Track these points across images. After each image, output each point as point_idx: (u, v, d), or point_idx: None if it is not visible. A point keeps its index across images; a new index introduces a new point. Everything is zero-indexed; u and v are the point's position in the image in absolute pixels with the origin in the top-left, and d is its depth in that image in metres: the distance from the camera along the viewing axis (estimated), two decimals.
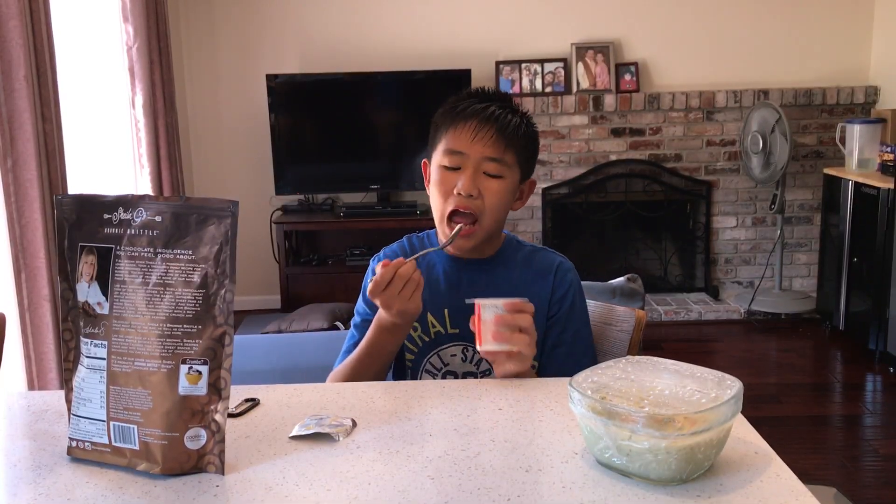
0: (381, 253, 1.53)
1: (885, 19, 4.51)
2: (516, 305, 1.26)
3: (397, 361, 1.49)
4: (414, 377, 1.47)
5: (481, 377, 1.44)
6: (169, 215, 1.00)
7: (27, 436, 1.12)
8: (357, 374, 1.39)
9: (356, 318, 1.51)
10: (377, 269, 1.31)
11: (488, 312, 1.26)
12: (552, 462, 0.99)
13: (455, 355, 1.45)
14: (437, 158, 1.41)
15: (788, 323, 4.42)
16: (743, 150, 4.51)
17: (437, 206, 1.41)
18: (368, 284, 1.30)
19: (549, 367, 1.42)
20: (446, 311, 1.44)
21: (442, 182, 1.40)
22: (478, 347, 1.26)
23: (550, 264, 1.48)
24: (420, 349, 1.46)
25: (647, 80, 4.67)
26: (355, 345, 1.43)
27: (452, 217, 1.39)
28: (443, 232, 1.43)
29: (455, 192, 1.37)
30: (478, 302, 1.27)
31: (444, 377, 1.46)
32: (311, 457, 1.02)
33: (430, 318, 1.45)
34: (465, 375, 1.45)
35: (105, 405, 1.01)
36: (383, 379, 1.42)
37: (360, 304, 1.51)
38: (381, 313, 1.33)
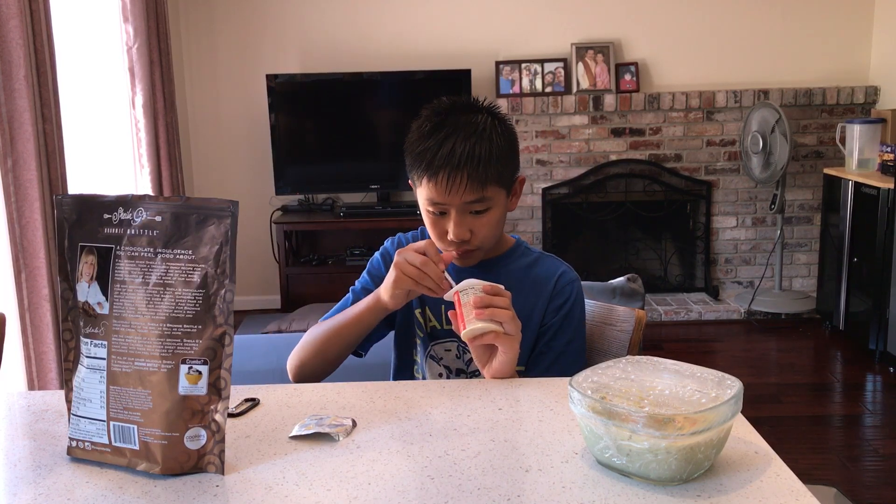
0: (398, 237, 1.55)
1: (885, 19, 4.51)
2: (495, 288, 1.27)
3: (402, 352, 1.51)
4: (421, 365, 1.50)
5: (471, 376, 1.45)
6: (169, 215, 1.00)
7: (27, 436, 1.12)
8: (332, 335, 1.43)
9: (356, 285, 1.54)
10: (391, 249, 1.48)
11: (467, 295, 1.26)
12: (552, 462, 0.99)
13: (449, 350, 1.46)
14: (422, 201, 1.41)
15: (788, 323, 4.42)
16: (743, 150, 4.51)
17: (434, 241, 1.42)
18: (414, 244, 1.33)
19: (532, 373, 1.42)
20: (443, 307, 1.45)
21: (433, 225, 1.41)
22: (461, 334, 1.25)
23: (552, 273, 1.46)
24: (422, 340, 1.48)
25: (647, 80, 4.67)
26: (349, 306, 1.47)
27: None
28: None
29: (448, 237, 1.38)
30: (456, 288, 1.28)
31: (441, 368, 1.48)
32: (311, 457, 1.02)
33: (427, 312, 1.47)
34: (458, 372, 1.46)
35: (105, 405, 1.01)
36: (347, 355, 1.46)
37: (363, 275, 1.54)
38: (381, 290, 1.36)
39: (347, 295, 1.53)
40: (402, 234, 1.55)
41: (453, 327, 1.30)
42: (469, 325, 1.24)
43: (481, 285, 1.26)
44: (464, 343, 1.44)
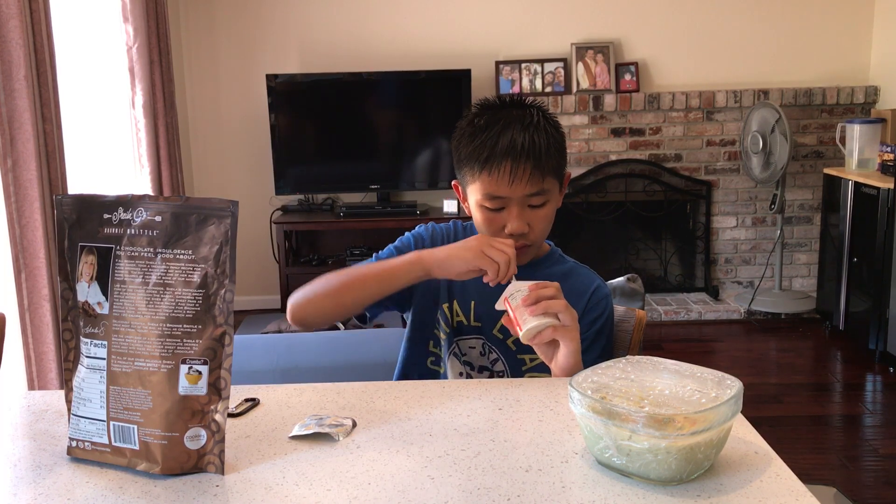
0: (430, 226, 1.53)
1: (885, 19, 4.51)
2: (541, 284, 1.25)
3: (415, 347, 1.50)
4: (439, 361, 1.49)
5: (494, 375, 1.45)
6: (169, 215, 1.00)
7: (27, 436, 1.12)
8: (357, 281, 1.38)
9: (382, 253, 1.50)
10: (422, 233, 1.48)
11: (515, 298, 1.25)
12: (552, 462, 0.99)
13: (474, 348, 1.46)
14: (477, 197, 1.38)
15: (788, 323, 4.42)
16: (743, 150, 4.51)
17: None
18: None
19: None
20: (473, 303, 1.44)
21: (489, 222, 1.38)
22: (520, 336, 1.24)
23: (588, 286, 1.46)
24: (447, 336, 1.47)
25: (647, 80, 4.67)
26: None
27: None
28: None
29: (506, 231, 1.36)
30: (505, 295, 1.26)
31: (461, 366, 1.47)
32: (311, 457, 1.02)
33: (455, 306, 1.46)
34: (481, 370, 1.46)
35: (105, 405, 1.01)
36: (361, 309, 1.41)
37: (390, 248, 1.51)
38: (429, 250, 1.32)
39: (370, 259, 1.48)
40: (436, 225, 1.53)
41: (511, 332, 1.28)
42: (525, 325, 1.23)
43: (527, 285, 1.25)
44: (490, 341, 1.44)
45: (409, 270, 1.33)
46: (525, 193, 1.34)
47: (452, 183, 1.50)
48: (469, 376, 1.46)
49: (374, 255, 1.50)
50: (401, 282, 1.35)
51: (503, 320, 1.28)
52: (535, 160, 1.32)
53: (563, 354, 1.26)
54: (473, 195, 1.39)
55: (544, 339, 1.25)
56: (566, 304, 1.24)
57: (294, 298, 1.41)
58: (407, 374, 1.52)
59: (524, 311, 1.23)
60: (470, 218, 1.49)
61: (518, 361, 1.44)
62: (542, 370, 1.36)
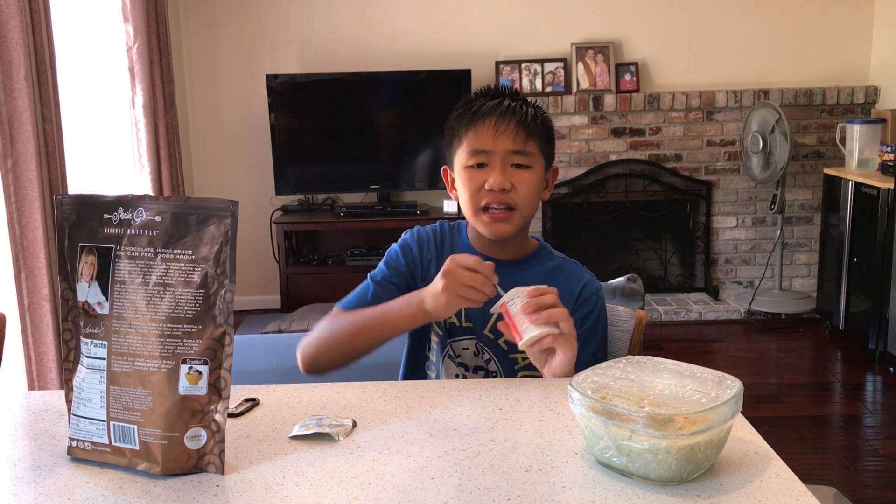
0: (416, 230, 1.52)
1: (885, 19, 4.51)
2: (540, 289, 1.23)
3: (416, 349, 1.50)
4: (436, 364, 1.48)
5: (489, 375, 1.45)
6: (169, 215, 1.01)
7: (27, 436, 1.12)
8: (361, 333, 1.36)
9: (376, 273, 1.49)
10: (409, 240, 1.48)
11: (515, 305, 1.22)
12: (552, 462, 0.99)
13: (467, 349, 1.45)
14: (462, 160, 1.40)
15: (788, 323, 4.42)
16: (743, 150, 4.51)
17: (468, 203, 1.40)
18: (467, 261, 1.24)
19: None
20: None
21: (470, 180, 1.39)
22: (519, 345, 1.22)
23: (577, 281, 1.45)
24: (440, 339, 1.46)
25: (647, 80, 4.67)
26: (370, 297, 1.43)
27: (487, 209, 1.38)
28: (476, 226, 1.42)
29: (487, 187, 1.36)
30: (502, 301, 1.24)
31: (456, 368, 1.47)
32: (311, 457, 1.02)
33: None
34: (476, 370, 1.45)
35: (105, 405, 1.01)
36: (367, 352, 1.39)
37: (381, 266, 1.50)
38: (421, 292, 1.29)
39: (366, 283, 1.48)
40: (421, 228, 1.52)
41: (507, 337, 1.27)
42: (525, 334, 1.21)
43: (526, 291, 1.23)
44: (482, 341, 1.43)
45: (414, 321, 1.32)
46: (508, 149, 1.36)
47: (442, 169, 1.50)
48: (465, 377, 1.46)
49: (367, 275, 1.49)
50: (407, 330, 1.39)
51: (499, 325, 1.27)
52: (519, 118, 1.37)
53: (559, 362, 1.25)
54: (459, 160, 1.41)
55: (543, 347, 1.24)
56: (567, 312, 1.23)
57: (304, 352, 1.41)
58: (409, 378, 1.52)
59: (524, 318, 1.21)
60: (458, 217, 1.49)
61: (510, 361, 1.43)
62: (535, 369, 1.36)
